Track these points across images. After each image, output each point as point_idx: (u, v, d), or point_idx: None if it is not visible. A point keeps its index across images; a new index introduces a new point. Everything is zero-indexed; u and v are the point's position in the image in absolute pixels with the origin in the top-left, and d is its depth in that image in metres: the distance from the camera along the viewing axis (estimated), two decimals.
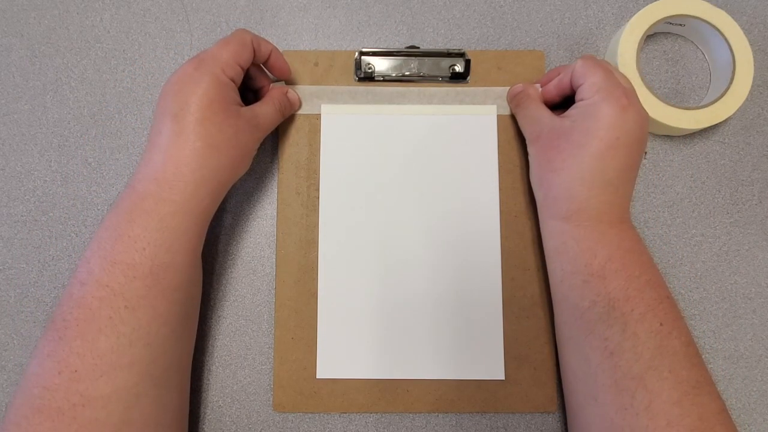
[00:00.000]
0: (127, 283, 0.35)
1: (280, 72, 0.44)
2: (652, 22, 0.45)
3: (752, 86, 0.44)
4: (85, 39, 0.49)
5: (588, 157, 0.38)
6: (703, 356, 0.44)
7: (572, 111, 0.40)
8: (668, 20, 0.46)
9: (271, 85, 0.45)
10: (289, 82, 0.47)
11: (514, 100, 0.46)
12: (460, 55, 0.47)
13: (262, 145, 0.47)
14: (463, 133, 0.46)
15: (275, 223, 0.46)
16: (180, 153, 0.37)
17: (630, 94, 0.39)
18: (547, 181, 0.41)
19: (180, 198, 0.37)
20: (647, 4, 0.46)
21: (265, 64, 0.43)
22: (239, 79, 0.40)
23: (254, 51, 0.41)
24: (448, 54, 0.47)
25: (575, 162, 0.39)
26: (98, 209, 0.46)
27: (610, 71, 0.40)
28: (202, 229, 0.39)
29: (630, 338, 0.36)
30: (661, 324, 0.36)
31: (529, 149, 0.43)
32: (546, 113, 0.42)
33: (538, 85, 0.45)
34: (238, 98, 0.40)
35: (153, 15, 0.49)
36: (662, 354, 0.35)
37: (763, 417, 0.44)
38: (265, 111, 0.42)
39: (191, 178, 0.37)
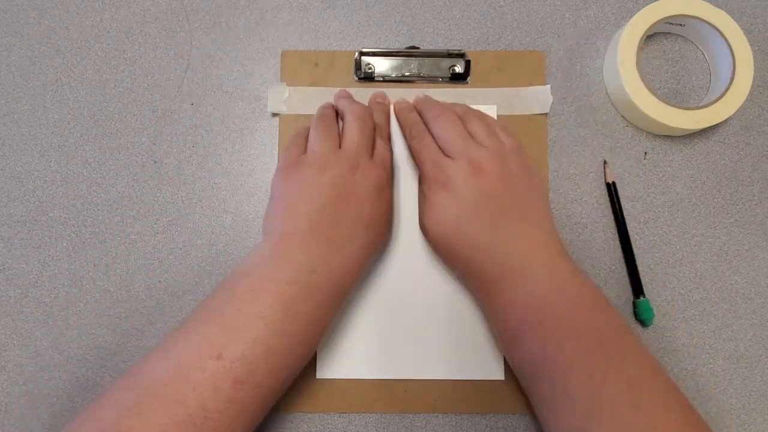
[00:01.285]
0: (285, 384, 0.37)
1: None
2: (652, 22, 0.45)
3: (752, 86, 0.44)
4: (85, 39, 0.49)
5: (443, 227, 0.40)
6: (703, 356, 0.44)
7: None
8: (668, 20, 0.46)
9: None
10: (292, 83, 0.47)
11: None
12: (460, 55, 0.47)
13: (261, 146, 0.47)
14: None
15: None
16: (361, 267, 0.39)
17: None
18: (447, 266, 0.44)
19: (346, 295, 0.40)
20: (647, 4, 0.46)
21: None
22: None
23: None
24: (448, 54, 0.47)
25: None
26: (98, 209, 0.46)
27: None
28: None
29: (561, 394, 0.34)
30: (589, 377, 0.34)
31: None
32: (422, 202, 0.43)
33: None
34: None
35: (153, 15, 0.49)
36: (598, 405, 0.33)
37: (763, 417, 0.44)
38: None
39: (357, 275, 0.39)
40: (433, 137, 0.42)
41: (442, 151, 0.41)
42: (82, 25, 0.49)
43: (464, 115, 0.43)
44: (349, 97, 0.45)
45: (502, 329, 0.39)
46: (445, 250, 0.41)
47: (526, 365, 0.37)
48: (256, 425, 0.36)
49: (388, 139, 0.44)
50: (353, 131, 0.40)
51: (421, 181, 0.42)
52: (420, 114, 0.44)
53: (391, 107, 0.46)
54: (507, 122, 0.47)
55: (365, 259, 0.39)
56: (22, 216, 0.46)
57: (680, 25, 0.47)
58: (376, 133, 0.42)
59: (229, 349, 0.33)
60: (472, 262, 0.39)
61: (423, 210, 0.42)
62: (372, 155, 0.41)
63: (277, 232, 0.38)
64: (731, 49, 0.45)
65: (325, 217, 0.37)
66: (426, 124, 0.43)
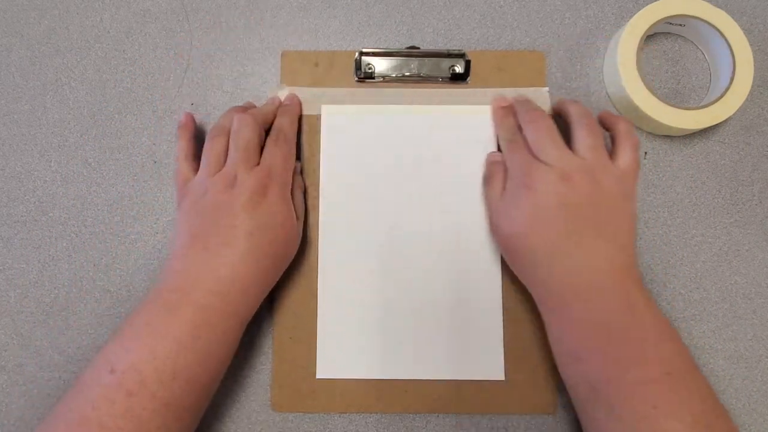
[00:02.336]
0: (183, 396, 0.35)
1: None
2: (652, 22, 0.45)
3: (752, 86, 0.44)
4: (85, 39, 0.49)
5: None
6: (703, 356, 0.44)
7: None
8: (668, 20, 0.46)
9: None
10: (292, 83, 0.47)
11: (484, 173, 0.46)
12: (461, 55, 0.47)
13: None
14: (463, 133, 0.46)
15: None
16: (248, 273, 0.38)
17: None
18: (513, 267, 0.42)
19: (243, 312, 0.39)
20: (647, 4, 0.46)
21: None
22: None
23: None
24: (449, 55, 0.47)
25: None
26: (98, 209, 0.46)
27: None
28: (240, 334, 0.40)
29: (617, 422, 0.34)
30: (654, 407, 0.33)
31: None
32: (499, 198, 0.43)
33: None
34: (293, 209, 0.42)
35: (153, 15, 0.49)
36: None
37: (763, 417, 0.44)
38: (300, 203, 0.44)
39: (255, 294, 0.39)
40: (527, 142, 0.41)
41: (534, 156, 0.40)
42: (82, 25, 0.49)
43: (577, 119, 0.41)
44: (243, 108, 0.45)
45: (563, 344, 0.38)
46: (515, 253, 0.40)
47: (583, 386, 0.36)
48: None
49: (291, 138, 0.43)
50: (232, 149, 0.41)
51: (500, 181, 0.42)
52: (516, 116, 0.44)
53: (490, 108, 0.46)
54: None
55: (255, 264, 0.38)
56: (22, 216, 0.46)
57: (680, 25, 0.47)
58: (270, 138, 0.42)
59: (120, 360, 0.35)
60: (540, 268, 0.38)
61: (499, 208, 0.41)
62: (258, 162, 0.41)
63: (170, 254, 0.40)
64: (731, 49, 0.45)
65: (203, 231, 0.38)
66: (521, 128, 0.43)
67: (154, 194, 0.47)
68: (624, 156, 0.40)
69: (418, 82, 0.47)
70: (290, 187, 0.41)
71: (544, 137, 0.40)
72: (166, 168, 0.47)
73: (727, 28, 0.45)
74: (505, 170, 0.42)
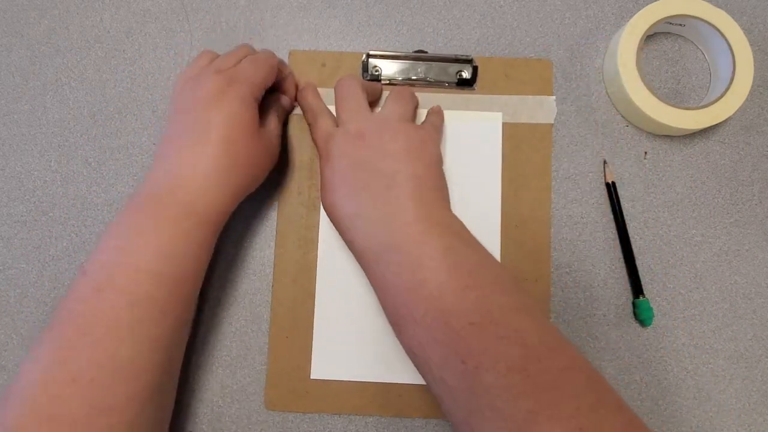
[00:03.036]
0: (152, 291, 0.35)
1: (289, 95, 0.45)
2: (652, 22, 0.45)
3: (752, 86, 0.44)
4: (85, 39, 0.49)
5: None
6: (703, 356, 0.44)
7: None
8: (668, 20, 0.46)
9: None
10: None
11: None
12: (468, 61, 0.47)
13: None
14: (467, 139, 0.46)
15: (275, 223, 0.46)
16: (207, 167, 0.37)
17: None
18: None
19: (204, 211, 0.37)
20: (647, 4, 0.46)
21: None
22: (261, 99, 0.41)
23: (276, 75, 0.42)
24: (456, 60, 0.47)
25: None
26: (98, 209, 0.46)
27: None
28: (214, 242, 0.39)
29: (439, 384, 0.33)
30: (463, 362, 0.31)
31: None
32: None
33: None
34: (258, 118, 0.40)
35: (153, 15, 0.49)
36: (476, 395, 0.31)
37: (763, 417, 0.44)
38: (274, 126, 0.43)
39: (216, 193, 0.38)
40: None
41: (336, 125, 0.42)
42: (82, 25, 0.49)
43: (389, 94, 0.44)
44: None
45: (389, 311, 0.38)
46: (335, 225, 0.41)
47: (409, 353, 0.36)
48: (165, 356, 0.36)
49: (267, 60, 0.42)
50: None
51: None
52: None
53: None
54: (512, 129, 0.46)
55: (215, 160, 0.38)
56: (22, 216, 0.46)
57: (680, 25, 0.47)
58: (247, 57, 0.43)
59: (91, 261, 0.35)
60: (346, 233, 0.39)
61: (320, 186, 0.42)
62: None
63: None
64: (731, 49, 0.45)
65: (174, 132, 0.40)
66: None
67: None
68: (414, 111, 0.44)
69: (424, 86, 0.47)
70: (256, 99, 0.40)
71: (344, 99, 0.42)
72: None
73: (727, 28, 0.45)
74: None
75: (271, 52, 0.44)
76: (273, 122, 0.43)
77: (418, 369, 0.36)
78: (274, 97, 0.44)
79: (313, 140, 0.44)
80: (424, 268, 0.35)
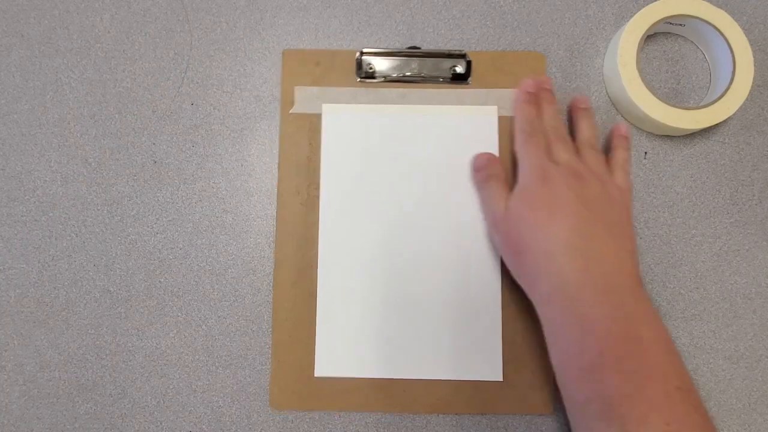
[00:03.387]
0: None
1: None
2: (652, 22, 0.45)
3: (752, 86, 0.44)
4: (85, 39, 0.49)
5: (546, 229, 0.38)
6: (703, 356, 0.44)
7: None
8: (668, 20, 0.46)
9: None
10: (293, 82, 0.47)
11: (478, 175, 0.45)
12: (461, 56, 0.47)
13: (261, 146, 0.47)
14: (463, 133, 0.46)
15: (275, 223, 0.46)
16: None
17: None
18: (517, 266, 0.40)
19: None
20: (647, 4, 0.46)
21: None
22: None
23: None
24: (449, 55, 0.47)
25: (535, 239, 0.38)
26: (98, 209, 0.46)
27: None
28: None
29: None
30: (667, 424, 0.32)
31: (492, 234, 0.44)
32: (505, 196, 0.42)
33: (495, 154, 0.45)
34: None
35: (153, 15, 0.49)
36: None
37: (763, 417, 0.44)
38: None
39: None
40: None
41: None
42: (82, 25, 0.49)
43: (583, 142, 0.44)
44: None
45: (577, 354, 0.35)
46: (524, 248, 0.39)
47: (595, 403, 0.34)
48: None
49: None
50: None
51: (502, 181, 0.43)
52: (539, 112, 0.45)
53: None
54: (508, 122, 0.47)
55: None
56: (22, 216, 0.46)
57: (680, 25, 0.47)
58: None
59: None
60: (553, 260, 0.37)
61: (511, 204, 0.41)
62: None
63: None
64: (731, 49, 0.45)
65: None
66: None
67: (154, 194, 0.47)
68: (621, 176, 0.43)
69: (418, 82, 0.47)
70: None
71: (558, 140, 0.42)
72: (166, 168, 0.47)
73: (727, 28, 0.45)
74: (504, 170, 0.44)
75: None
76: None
77: (592, 422, 0.34)
78: None
79: (521, 156, 0.43)
80: (639, 322, 0.35)
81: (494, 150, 0.46)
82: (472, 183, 0.45)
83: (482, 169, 0.44)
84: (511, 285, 0.44)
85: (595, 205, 0.38)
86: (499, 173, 0.44)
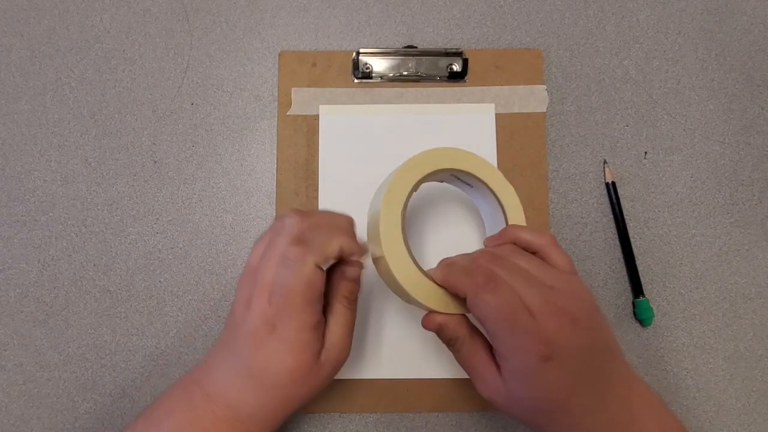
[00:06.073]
0: None
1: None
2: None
3: (752, 86, 0.44)
4: (85, 39, 0.49)
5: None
6: (703, 356, 0.44)
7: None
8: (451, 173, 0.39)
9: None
10: (290, 83, 0.47)
11: (443, 339, 0.36)
12: (458, 54, 0.47)
13: (261, 146, 0.47)
14: (461, 131, 0.46)
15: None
16: (255, 405, 0.34)
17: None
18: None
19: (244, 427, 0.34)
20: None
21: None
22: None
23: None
24: (446, 53, 0.47)
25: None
26: (98, 209, 0.46)
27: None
28: None
29: None
30: None
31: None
32: (492, 375, 0.34)
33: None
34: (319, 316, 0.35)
35: (153, 15, 0.49)
36: None
37: (763, 417, 0.44)
38: (339, 333, 0.36)
39: (271, 421, 0.35)
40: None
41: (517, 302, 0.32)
42: (82, 25, 0.49)
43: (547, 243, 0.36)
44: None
45: None
46: (538, 423, 0.34)
47: None
48: None
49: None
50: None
51: (488, 362, 0.34)
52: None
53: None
54: (505, 120, 0.46)
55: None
56: (22, 216, 0.46)
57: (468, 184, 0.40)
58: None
59: None
60: (574, 426, 0.33)
61: (511, 392, 0.33)
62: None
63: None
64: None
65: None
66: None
67: (154, 194, 0.47)
68: (562, 259, 0.35)
69: (416, 81, 0.47)
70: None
71: (527, 283, 0.33)
72: (166, 168, 0.47)
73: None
74: (481, 343, 0.35)
75: (350, 219, 0.37)
76: (337, 332, 0.36)
77: None
78: (334, 284, 0.37)
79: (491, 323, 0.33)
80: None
81: (492, 147, 0.46)
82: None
83: (447, 334, 0.36)
84: None
85: (596, 344, 0.33)
86: (483, 352, 0.35)
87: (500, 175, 0.39)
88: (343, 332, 0.36)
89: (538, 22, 0.49)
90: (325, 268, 0.34)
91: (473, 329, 0.35)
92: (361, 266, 0.37)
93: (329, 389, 0.43)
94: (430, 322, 0.36)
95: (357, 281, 0.37)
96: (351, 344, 0.37)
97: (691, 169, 0.47)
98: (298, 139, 0.47)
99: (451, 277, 0.34)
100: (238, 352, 0.34)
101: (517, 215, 0.39)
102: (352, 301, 0.37)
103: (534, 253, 0.36)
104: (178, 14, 0.49)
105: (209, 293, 0.45)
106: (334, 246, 0.34)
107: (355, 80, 0.47)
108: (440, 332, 0.36)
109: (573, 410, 0.32)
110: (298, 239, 0.34)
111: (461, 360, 0.36)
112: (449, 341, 0.36)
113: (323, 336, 0.35)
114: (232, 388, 0.34)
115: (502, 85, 0.47)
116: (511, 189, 0.39)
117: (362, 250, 0.36)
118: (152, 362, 0.45)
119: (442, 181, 0.40)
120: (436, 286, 0.35)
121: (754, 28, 0.48)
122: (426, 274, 0.35)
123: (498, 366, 0.34)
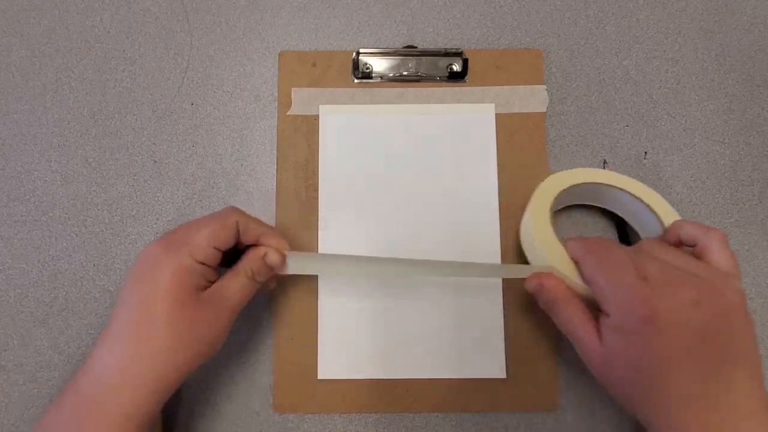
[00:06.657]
0: None
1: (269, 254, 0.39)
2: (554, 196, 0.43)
3: (752, 86, 0.44)
4: (85, 39, 0.49)
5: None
6: None
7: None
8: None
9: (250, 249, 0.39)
10: (290, 84, 0.47)
11: (542, 302, 0.38)
12: (458, 54, 0.47)
13: (261, 146, 0.47)
14: (461, 132, 0.46)
15: (274, 224, 0.46)
16: (142, 357, 0.34)
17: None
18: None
19: (117, 411, 0.34)
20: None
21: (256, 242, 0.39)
22: (214, 260, 0.37)
23: (239, 233, 0.38)
24: (446, 53, 0.47)
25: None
26: (98, 209, 0.46)
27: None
28: (157, 415, 0.36)
29: None
30: None
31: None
32: (589, 334, 0.34)
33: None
34: (205, 281, 0.36)
35: (153, 15, 0.49)
36: None
37: None
38: (234, 287, 0.37)
39: (152, 381, 0.34)
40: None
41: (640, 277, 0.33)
42: (82, 25, 0.49)
43: (708, 234, 0.36)
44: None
45: None
46: (637, 398, 0.33)
47: None
48: None
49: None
50: None
51: (590, 321, 0.35)
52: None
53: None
54: (505, 120, 0.46)
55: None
56: (22, 216, 0.46)
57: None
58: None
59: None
60: (668, 415, 0.31)
61: (607, 355, 0.33)
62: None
63: None
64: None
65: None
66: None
67: (154, 194, 0.47)
68: (724, 258, 0.35)
69: (415, 81, 0.47)
70: (198, 261, 0.36)
71: (659, 246, 0.35)
72: (166, 168, 0.47)
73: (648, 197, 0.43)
74: (587, 305, 0.36)
75: (234, 209, 0.39)
76: (234, 284, 0.37)
77: None
78: (256, 252, 0.39)
79: (600, 286, 0.34)
80: None
81: (492, 148, 0.46)
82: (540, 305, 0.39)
83: (541, 290, 0.38)
84: (513, 281, 0.44)
85: (715, 334, 0.32)
86: (566, 295, 0.36)
87: (642, 185, 0.43)
88: (235, 289, 0.37)
89: (538, 22, 0.49)
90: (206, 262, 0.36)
91: (573, 294, 0.36)
92: (283, 258, 0.39)
93: (329, 389, 0.43)
94: (532, 279, 0.38)
95: (269, 268, 0.39)
96: (238, 305, 0.37)
97: (691, 169, 0.47)
98: (298, 139, 0.47)
99: (578, 242, 0.37)
100: (115, 334, 0.35)
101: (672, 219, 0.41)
102: (256, 281, 0.38)
103: (695, 249, 0.36)
104: (178, 14, 0.49)
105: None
106: (202, 234, 0.36)
107: (355, 80, 0.47)
108: (539, 293, 0.37)
109: (671, 390, 0.31)
110: (162, 240, 0.36)
111: (561, 323, 0.37)
112: (547, 304, 0.37)
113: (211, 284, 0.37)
114: (97, 360, 0.35)
115: (502, 85, 0.47)
116: (658, 196, 0.43)
117: (260, 229, 0.38)
118: None
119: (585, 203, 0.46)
120: (565, 253, 0.38)
121: (754, 28, 0.48)
122: (561, 241, 0.39)
123: (599, 331, 0.34)
